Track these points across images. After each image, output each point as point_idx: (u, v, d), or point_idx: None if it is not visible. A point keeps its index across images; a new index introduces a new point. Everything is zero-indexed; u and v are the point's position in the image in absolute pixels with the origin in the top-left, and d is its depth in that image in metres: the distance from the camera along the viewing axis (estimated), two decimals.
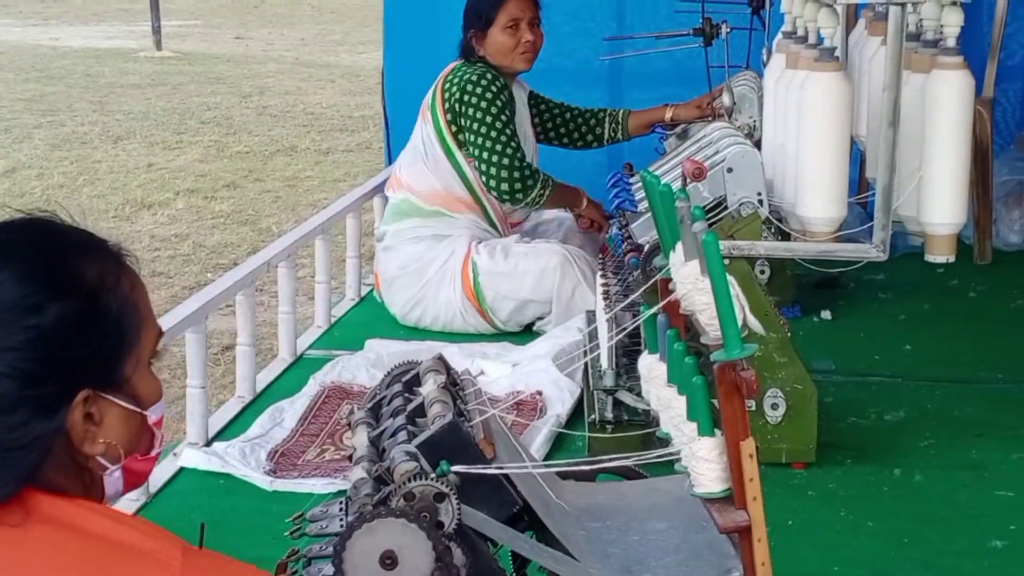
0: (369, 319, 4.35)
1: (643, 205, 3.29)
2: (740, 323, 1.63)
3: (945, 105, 2.94)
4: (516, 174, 4.14)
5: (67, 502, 1.33)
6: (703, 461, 1.69)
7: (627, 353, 3.23)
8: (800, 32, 3.33)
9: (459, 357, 3.72)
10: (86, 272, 1.36)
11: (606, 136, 4.56)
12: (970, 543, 2.78)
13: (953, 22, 2.96)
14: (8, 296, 1.31)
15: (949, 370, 3.81)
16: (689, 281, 1.74)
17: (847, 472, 3.11)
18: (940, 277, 4.67)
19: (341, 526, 1.85)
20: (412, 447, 1.71)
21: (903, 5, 2.89)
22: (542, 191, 4.16)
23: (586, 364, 3.40)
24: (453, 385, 1.89)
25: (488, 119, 4.14)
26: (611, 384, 3.10)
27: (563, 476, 1.99)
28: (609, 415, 3.11)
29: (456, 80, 4.20)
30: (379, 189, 4.79)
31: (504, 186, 4.15)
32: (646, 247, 3.07)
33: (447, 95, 4.21)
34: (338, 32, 18.73)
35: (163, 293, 6.41)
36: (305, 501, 2.98)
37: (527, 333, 4.09)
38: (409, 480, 1.64)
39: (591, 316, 3.64)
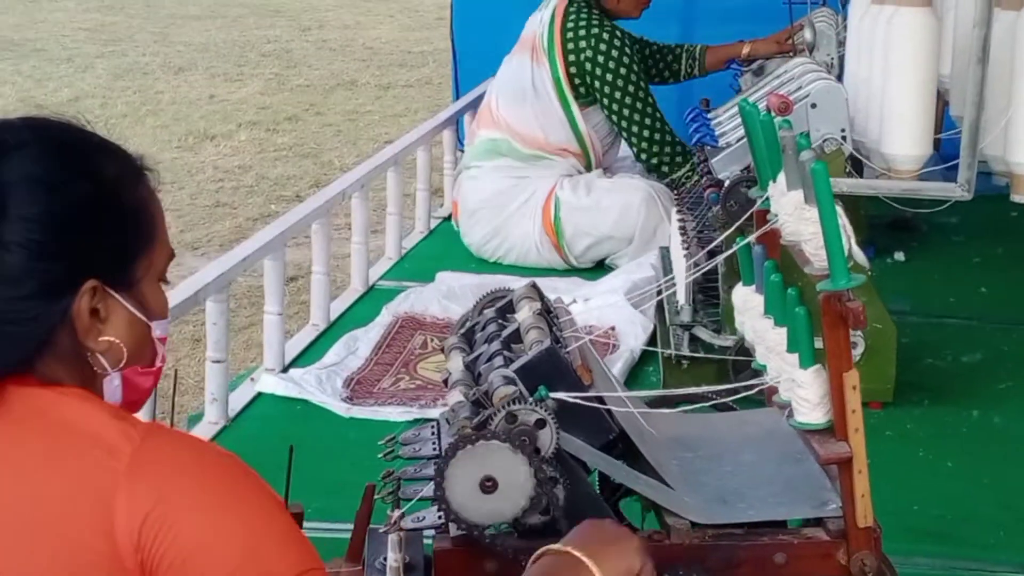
0: (438, 252, 4.35)
1: (724, 140, 3.27)
2: (846, 254, 1.62)
3: None
4: (667, 149, 4.15)
5: (46, 390, 1.32)
6: (805, 392, 1.68)
7: (703, 290, 3.21)
8: None
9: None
10: (107, 166, 1.36)
11: (683, 72, 4.52)
12: None
13: None
14: (30, 170, 1.31)
15: None
16: (793, 210, 1.72)
17: (925, 413, 3.09)
18: (1014, 221, 4.62)
19: (433, 450, 1.86)
20: (510, 372, 1.71)
21: None
22: (691, 173, 4.11)
23: (660, 300, 3.39)
24: (547, 312, 1.89)
25: (630, 88, 4.13)
26: (688, 320, 3.08)
27: (652, 406, 1.99)
28: (685, 350, 3.10)
29: (582, 33, 4.14)
30: (450, 122, 4.77)
31: (654, 160, 4.16)
32: (727, 182, 3.04)
33: (571, 45, 4.14)
34: None
35: (227, 223, 6.45)
36: (381, 428, 3.00)
37: (599, 268, 4.08)
38: (509, 404, 1.64)
39: (665, 252, 3.62)
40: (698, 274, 3.07)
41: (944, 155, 3.19)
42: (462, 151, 4.81)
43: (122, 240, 1.37)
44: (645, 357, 3.38)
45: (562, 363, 1.72)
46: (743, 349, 3.00)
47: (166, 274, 1.44)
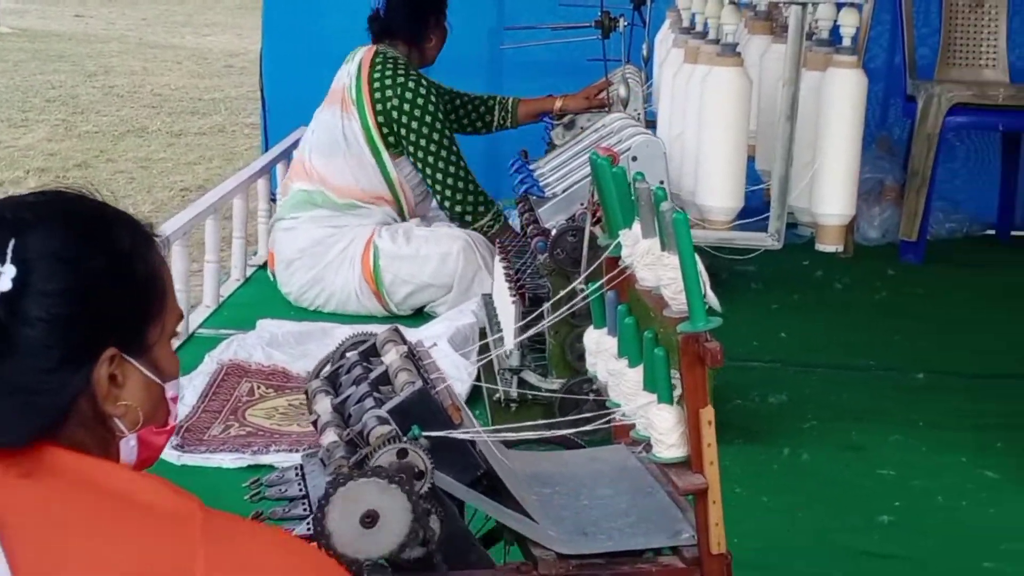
0: (257, 299, 4.36)
1: (550, 191, 3.38)
2: (703, 298, 1.73)
3: (841, 101, 3.08)
4: (470, 198, 4.25)
5: (86, 458, 1.36)
6: (662, 427, 1.78)
7: (529, 336, 3.31)
8: (699, 28, 3.45)
9: None
10: (122, 236, 1.41)
11: (495, 123, 4.64)
12: (859, 519, 2.94)
13: (850, 23, 3.10)
14: (51, 245, 1.36)
15: (823, 356, 3.99)
16: (650, 257, 1.83)
17: (739, 451, 3.24)
18: (805, 269, 4.88)
19: (300, 490, 1.90)
20: (383, 412, 1.77)
21: (804, 5, 3.04)
22: (492, 222, 4.23)
23: (484, 345, 3.48)
24: (412, 355, 1.95)
25: (435, 136, 4.22)
26: (516, 364, 3.18)
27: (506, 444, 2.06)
28: (514, 394, 3.19)
29: (388, 83, 4.22)
30: (265, 171, 4.80)
31: (458, 208, 4.25)
32: (554, 231, 3.15)
33: (378, 94, 4.22)
34: (181, 13, 18.39)
35: None
36: (214, 475, 3.01)
37: (419, 316, 4.15)
38: (386, 443, 1.69)
39: (487, 299, 3.72)
40: (527, 320, 3.17)
41: (747, 208, 3.37)
42: (274, 201, 4.84)
43: (137, 307, 1.41)
44: (470, 401, 3.45)
45: (433, 403, 1.79)
46: (569, 392, 3.12)
47: (176, 332, 1.49)
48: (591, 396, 3.01)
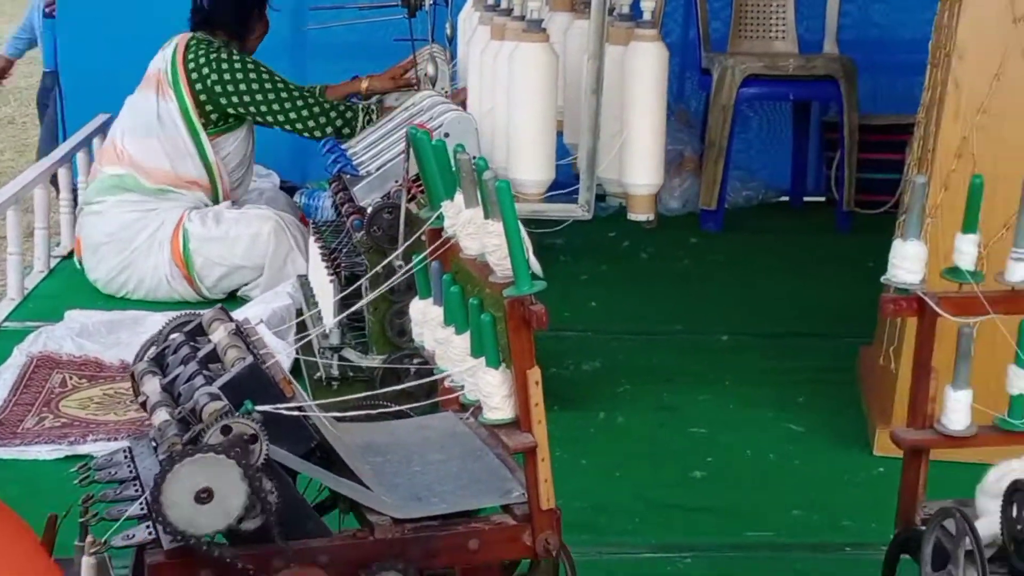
0: (62, 290, 4.28)
1: (364, 169, 3.40)
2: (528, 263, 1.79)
3: (644, 74, 3.18)
4: (333, 114, 4.22)
5: None
6: (491, 390, 1.83)
7: (348, 314, 3.33)
8: (504, 5, 3.50)
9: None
10: None
11: None
12: (674, 475, 3.05)
13: None
14: None
15: (633, 324, 4.12)
16: (474, 226, 1.88)
17: (556, 416, 3.28)
18: (612, 240, 5.01)
19: (130, 472, 1.90)
20: (215, 388, 1.78)
21: None
22: (368, 117, 4.23)
23: (303, 325, 3.48)
24: (239, 333, 1.96)
25: (268, 83, 4.20)
26: (337, 342, 3.20)
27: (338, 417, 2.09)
28: (335, 372, 3.21)
29: (203, 61, 4.18)
30: (66, 160, 4.69)
31: (330, 129, 4.21)
32: (369, 209, 3.18)
33: (195, 74, 4.19)
34: None
35: None
36: (30, 468, 2.95)
37: (232, 299, 4.12)
38: (219, 418, 1.70)
39: (303, 280, 3.72)
40: (339, 298, 3.18)
41: (557, 182, 3.45)
42: (76, 191, 4.75)
43: None
44: None
45: (265, 377, 1.81)
46: (389, 368, 3.15)
47: None
48: (412, 370, 3.07)
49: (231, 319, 1.99)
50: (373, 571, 1.75)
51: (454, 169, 1.98)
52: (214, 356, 1.90)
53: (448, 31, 4.38)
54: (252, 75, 4.22)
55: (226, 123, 4.31)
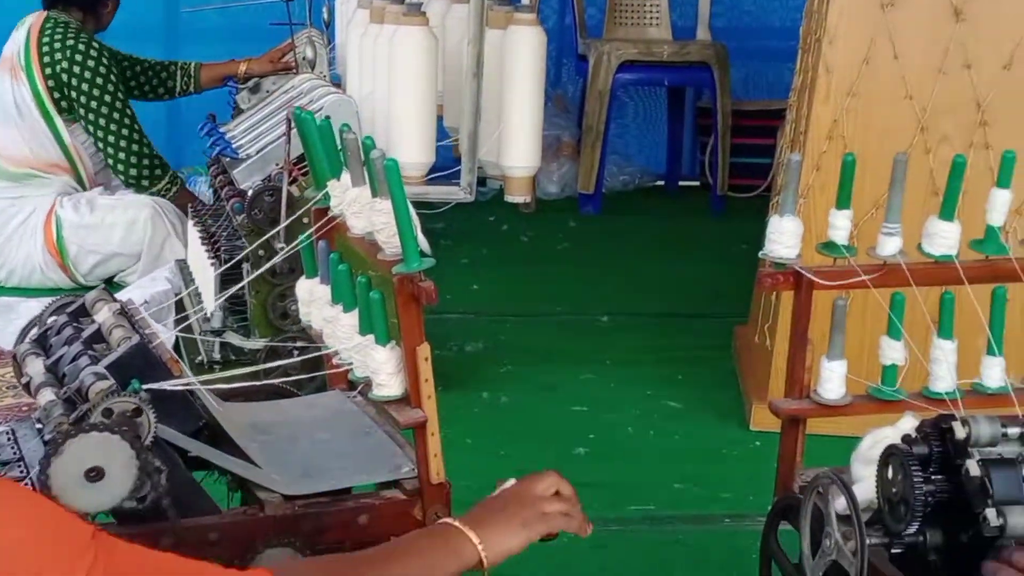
0: None
1: (243, 152, 3.38)
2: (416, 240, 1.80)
3: (523, 57, 3.21)
4: (145, 162, 4.16)
5: None
6: (382, 367, 1.84)
7: (229, 297, 3.31)
8: None
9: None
10: None
11: (178, 88, 4.58)
12: (558, 451, 3.10)
13: None
14: None
15: (514, 305, 4.16)
16: (362, 204, 1.89)
17: (441, 397, 3.28)
18: (492, 225, 5.05)
19: (14, 454, 1.87)
20: (101, 368, 1.76)
21: None
22: (169, 186, 4.16)
23: (181, 310, 3.45)
24: (123, 313, 1.94)
25: (107, 98, 4.13)
26: (219, 326, 3.18)
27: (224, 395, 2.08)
28: (217, 356, 3.19)
29: (58, 47, 4.11)
30: None
31: (133, 172, 4.16)
32: (250, 192, 3.16)
33: (47, 59, 4.11)
34: None
35: None
36: None
37: (109, 286, 4.05)
38: (106, 397, 1.69)
39: (182, 265, 3.68)
40: (224, 279, 3.17)
41: (437, 166, 3.47)
42: None
43: None
44: None
45: (152, 356, 1.79)
46: (273, 350, 3.14)
47: None
48: (296, 353, 3.06)
49: (115, 300, 1.97)
50: (263, 547, 1.75)
51: (339, 149, 1.98)
52: (98, 337, 1.88)
53: (325, 15, 4.37)
54: (99, 80, 4.14)
55: None
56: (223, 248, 3.26)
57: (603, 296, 4.29)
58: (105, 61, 4.15)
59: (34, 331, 2.02)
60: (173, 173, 4.28)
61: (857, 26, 3.18)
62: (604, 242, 4.99)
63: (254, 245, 2.98)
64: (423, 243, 1.84)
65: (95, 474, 1.64)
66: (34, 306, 3.76)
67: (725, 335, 3.86)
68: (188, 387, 1.80)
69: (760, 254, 1.97)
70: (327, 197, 2.03)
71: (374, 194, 1.85)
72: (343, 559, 1.67)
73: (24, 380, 1.87)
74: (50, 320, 2.00)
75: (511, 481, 1.81)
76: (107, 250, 4.07)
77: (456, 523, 1.67)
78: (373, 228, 1.84)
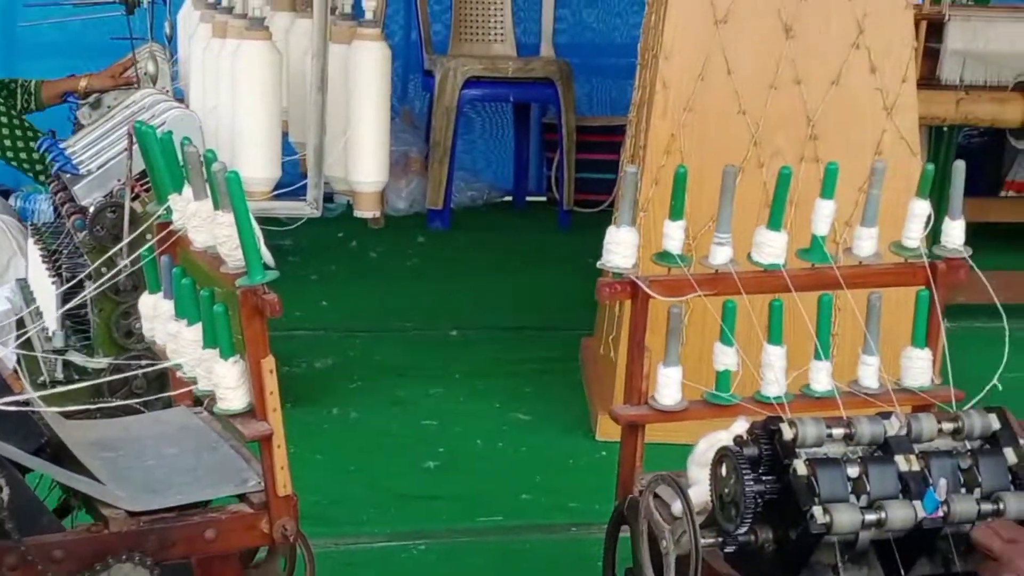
0: None
1: (84, 168, 3.33)
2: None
3: (367, 71, 3.23)
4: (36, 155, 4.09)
5: None
6: (225, 381, 1.85)
7: (71, 315, 3.26)
8: (225, 3, 3.49)
9: None
10: None
11: (19, 105, 4.49)
12: (408, 465, 3.12)
13: None
14: None
15: (364, 321, 4.18)
16: (204, 218, 1.89)
17: (289, 414, 3.26)
18: (341, 241, 5.05)
19: None
20: None
21: None
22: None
23: (23, 332, 3.38)
24: None
25: None
26: (61, 345, 3.13)
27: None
28: (60, 375, 3.13)
29: None
30: None
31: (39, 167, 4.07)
32: (92, 208, 3.12)
33: None
34: None
35: None
36: None
37: None
38: None
39: (22, 283, 3.61)
40: (61, 301, 3.12)
41: (282, 182, 3.46)
42: None
43: None
44: None
45: None
46: (117, 369, 3.10)
47: None
48: (140, 371, 3.03)
49: None
50: (109, 564, 1.74)
51: (181, 162, 1.98)
52: None
53: (167, 29, 4.33)
54: None
55: None
56: (64, 266, 3.21)
57: (453, 310, 4.33)
58: None
59: None
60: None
61: (692, 42, 3.28)
62: (453, 257, 5.03)
63: (97, 263, 2.94)
64: (267, 256, 1.85)
65: None
66: None
67: (572, 347, 3.93)
68: (27, 406, 1.78)
69: (599, 264, 2.02)
70: (169, 211, 2.03)
71: (216, 207, 1.86)
72: None
73: None
74: None
75: None
76: None
77: None
78: (216, 241, 1.85)
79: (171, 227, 2.02)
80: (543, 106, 5.80)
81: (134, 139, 3.12)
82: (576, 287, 4.42)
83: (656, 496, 1.89)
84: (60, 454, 1.86)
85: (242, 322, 1.81)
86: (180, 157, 1.99)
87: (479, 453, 3.24)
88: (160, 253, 2.04)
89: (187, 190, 1.95)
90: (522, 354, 3.95)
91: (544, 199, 5.93)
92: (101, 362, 3.15)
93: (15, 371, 1.85)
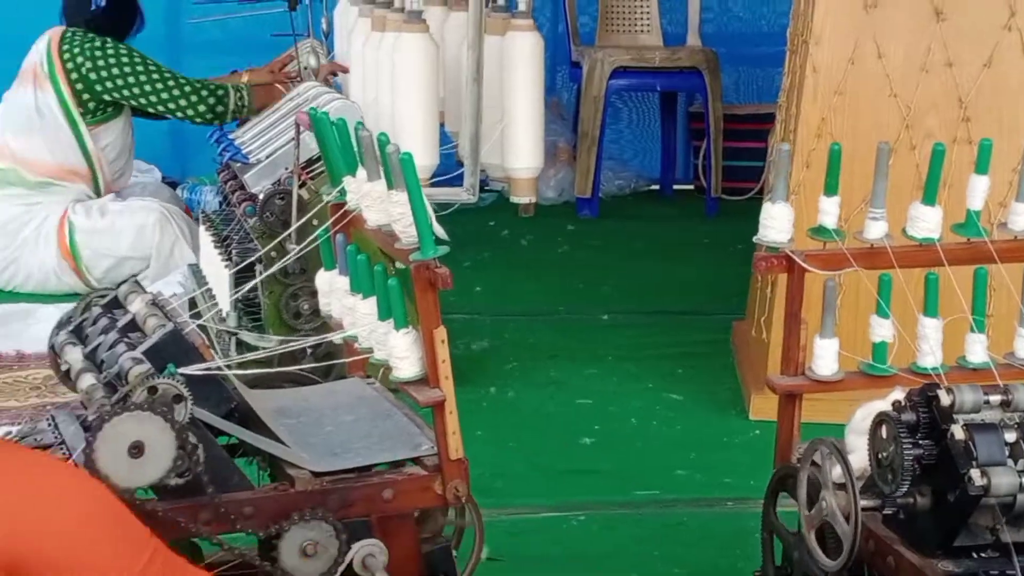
0: None
1: (254, 157, 3.49)
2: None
3: (523, 61, 3.33)
4: (204, 93, 4.27)
5: None
6: (400, 350, 1.96)
7: (243, 297, 3.42)
8: None
9: (57, 316, 3.79)
10: None
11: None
12: (564, 441, 3.21)
13: None
14: None
15: (516, 306, 4.28)
16: (376, 197, 2.00)
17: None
18: (492, 229, 5.17)
19: (55, 437, 1.98)
20: (138, 354, 1.87)
21: None
22: (240, 98, 4.28)
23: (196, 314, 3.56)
24: (155, 303, 2.06)
25: (137, 64, 4.26)
26: (234, 326, 3.28)
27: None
28: (233, 354, 3.29)
29: (77, 51, 4.25)
30: None
31: (202, 107, 4.26)
32: (261, 195, 3.27)
33: (70, 64, 4.24)
34: None
35: None
36: None
37: None
38: (145, 380, 1.80)
39: (194, 269, 3.79)
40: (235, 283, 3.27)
41: (439, 170, 3.57)
42: None
43: None
44: None
45: (186, 343, 1.91)
46: (288, 352, 3.25)
47: None
48: (309, 351, 3.18)
49: (146, 292, 2.09)
50: (294, 520, 1.85)
51: (355, 146, 2.09)
52: (133, 326, 2.00)
53: (324, 26, 4.48)
54: (125, 59, 4.28)
55: (104, 113, 4.37)
56: (235, 251, 3.37)
57: (603, 296, 4.41)
58: (124, 48, 4.29)
59: (69, 323, 2.13)
60: (230, 87, 4.37)
61: (842, 27, 3.30)
62: (602, 244, 5.10)
63: (268, 247, 3.09)
64: (439, 231, 1.95)
65: (136, 450, 1.75)
66: (52, 311, 3.90)
67: (722, 331, 3.97)
68: (219, 371, 1.91)
69: (754, 239, 2.08)
70: (343, 193, 2.15)
71: (390, 187, 1.97)
72: None
73: (63, 368, 1.98)
74: (85, 312, 2.11)
75: None
76: (118, 254, 4.20)
77: None
78: (390, 219, 1.96)
79: (345, 207, 2.14)
80: (690, 95, 5.85)
81: (301, 129, 3.28)
82: (724, 273, 4.48)
83: (814, 463, 1.94)
84: (247, 419, 1.99)
85: (416, 295, 1.92)
86: (354, 141, 2.10)
87: (634, 431, 3.31)
88: (335, 233, 2.16)
89: (360, 172, 2.06)
90: (672, 338, 4.01)
91: (691, 187, 5.97)
92: (270, 340, 3.30)
93: (204, 342, 1.98)
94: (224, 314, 3.30)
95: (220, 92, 4.33)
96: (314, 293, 3.25)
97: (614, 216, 5.50)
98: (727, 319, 4.01)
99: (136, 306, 2.02)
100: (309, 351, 3.16)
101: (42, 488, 1.48)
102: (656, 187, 5.99)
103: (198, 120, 4.34)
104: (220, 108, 4.30)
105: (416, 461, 2.01)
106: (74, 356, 1.98)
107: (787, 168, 2.08)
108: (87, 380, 1.89)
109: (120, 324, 2.00)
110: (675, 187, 5.99)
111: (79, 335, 2.07)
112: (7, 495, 1.43)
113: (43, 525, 1.46)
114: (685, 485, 3.00)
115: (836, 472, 1.88)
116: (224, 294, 3.32)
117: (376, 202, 2.02)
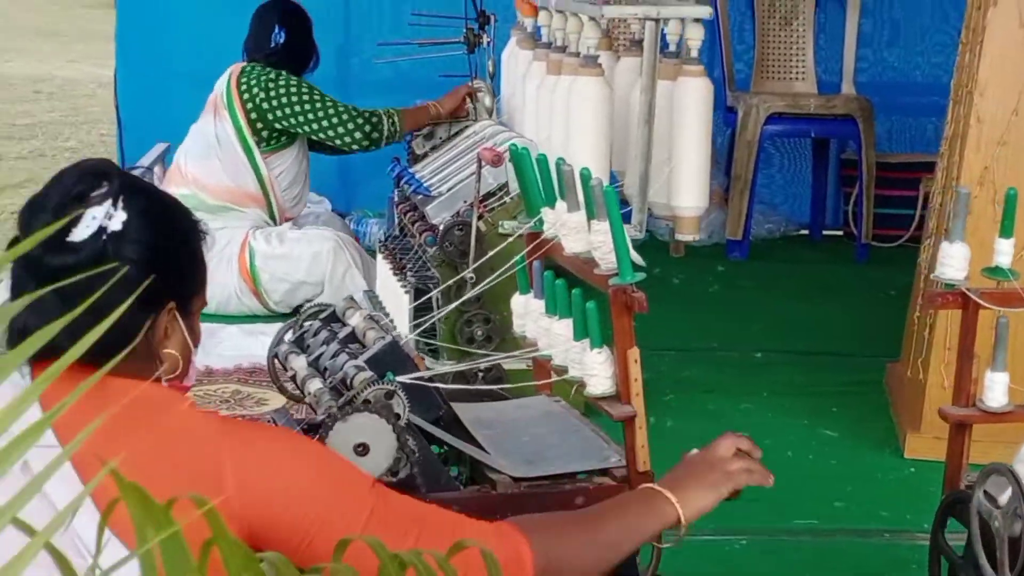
0: None
1: (435, 190, 3.70)
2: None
3: (694, 106, 3.49)
4: (360, 121, 4.51)
5: (134, 381, 1.60)
6: (595, 368, 2.11)
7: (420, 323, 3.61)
8: (558, 43, 3.81)
9: (239, 336, 4.03)
10: (189, 217, 1.79)
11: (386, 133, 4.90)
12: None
13: (696, 36, 3.51)
14: (150, 206, 1.67)
15: (671, 341, 4.39)
16: (575, 227, 2.17)
17: (609, 423, 3.60)
18: (644, 269, 5.29)
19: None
20: (360, 362, 2.06)
21: (657, 21, 3.43)
22: (392, 124, 4.50)
23: None
24: (372, 318, 2.25)
25: (304, 95, 4.52)
26: (413, 349, 3.47)
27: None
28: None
29: (254, 82, 4.52)
30: None
31: (358, 135, 4.50)
32: (442, 226, 3.47)
33: (247, 95, 4.52)
34: None
35: None
36: None
37: (297, 313, 4.40)
38: (369, 385, 1.99)
39: (370, 294, 4.00)
40: (418, 308, 3.47)
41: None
42: None
43: (194, 275, 1.75)
44: None
45: (402, 353, 2.09)
46: (459, 374, 3.43)
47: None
48: (480, 375, 3.35)
49: (362, 308, 2.28)
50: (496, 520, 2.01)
51: (554, 179, 2.26)
52: (352, 338, 2.19)
53: (490, 68, 4.69)
54: (293, 89, 4.54)
55: (277, 142, 4.63)
56: (414, 279, 3.57)
57: (754, 334, 4.52)
58: (295, 80, 4.54)
59: (288, 335, 2.33)
60: (383, 111, 4.56)
61: (1007, 79, 3.40)
62: (752, 285, 5.22)
63: (452, 280, 3.25)
64: (636, 258, 2.11)
65: (362, 449, 1.93)
66: (234, 331, 4.15)
67: (874, 372, 4.06)
68: (431, 383, 2.09)
69: (932, 276, 2.21)
70: (540, 223, 2.32)
71: (590, 217, 2.13)
72: (572, 514, 1.93)
73: (289, 374, 2.18)
74: (304, 326, 2.31)
75: (695, 451, 2.06)
76: (295, 279, 4.44)
77: (656, 487, 1.92)
78: (590, 247, 2.12)
79: (542, 236, 2.31)
80: (842, 142, 5.93)
81: (482, 164, 3.48)
82: (875, 316, 4.57)
83: (986, 491, 2.05)
84: (452, 426, 2.16)
85: (613, 317, 2.07)
86: (554, 175, 2.27)
87: (790, 463, 3.42)
88: (531, 260, 2.33)
89: (560, 204, 2.23)
90: (825, 377, 4.11)
91: (840, 233, 6.05)
92: (446, 364, 3.48)
93: (418, 354, 2.16)
94: (404, 338, 3.48)
95: (375, 119, 4.56)
96: (487, 320, 3.45)
97: (764, 258, 5.61)
98: (879, 361, 4.09)
99: (355, 320, 2.20)
100: (480, 374, 3.34)
101: (271, 454, 1.64)
102: (805, 232, 6.08)
103: (355, 147, 4.57)
104: (376, 135, 4.53)
105: (605, 472, 2.16)
106: (299, 363, 2.17)
107: (965, 210, 2.20)
108: (315, 384, 2.08)
109: (340, 336, 2.19)
110: (824, 232, 6.07)
111: (300, 345, 2.26)
112: (240, 468, 1.59)
113: (278, 491, 1.62)
114: (843, 516, 3.10)
115: (1004, 497, 1.99)
116: (404, 319, 3.51)
117: (573, 231, 2.19)
